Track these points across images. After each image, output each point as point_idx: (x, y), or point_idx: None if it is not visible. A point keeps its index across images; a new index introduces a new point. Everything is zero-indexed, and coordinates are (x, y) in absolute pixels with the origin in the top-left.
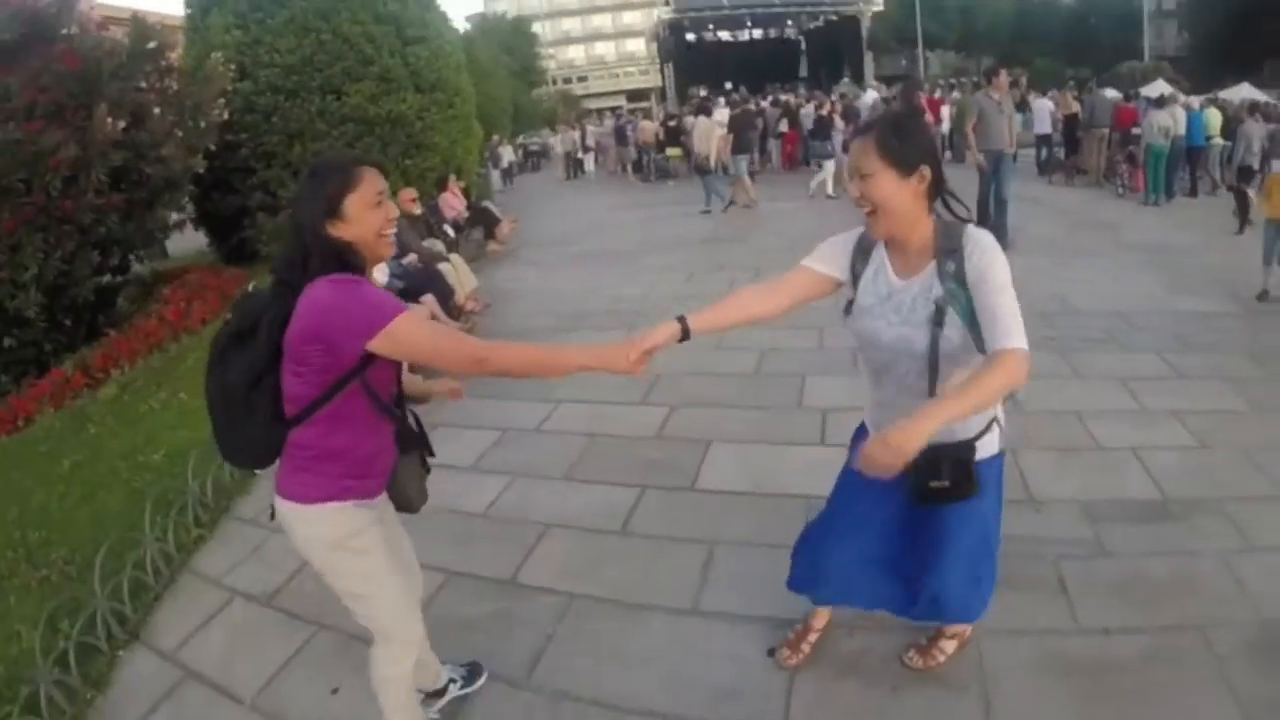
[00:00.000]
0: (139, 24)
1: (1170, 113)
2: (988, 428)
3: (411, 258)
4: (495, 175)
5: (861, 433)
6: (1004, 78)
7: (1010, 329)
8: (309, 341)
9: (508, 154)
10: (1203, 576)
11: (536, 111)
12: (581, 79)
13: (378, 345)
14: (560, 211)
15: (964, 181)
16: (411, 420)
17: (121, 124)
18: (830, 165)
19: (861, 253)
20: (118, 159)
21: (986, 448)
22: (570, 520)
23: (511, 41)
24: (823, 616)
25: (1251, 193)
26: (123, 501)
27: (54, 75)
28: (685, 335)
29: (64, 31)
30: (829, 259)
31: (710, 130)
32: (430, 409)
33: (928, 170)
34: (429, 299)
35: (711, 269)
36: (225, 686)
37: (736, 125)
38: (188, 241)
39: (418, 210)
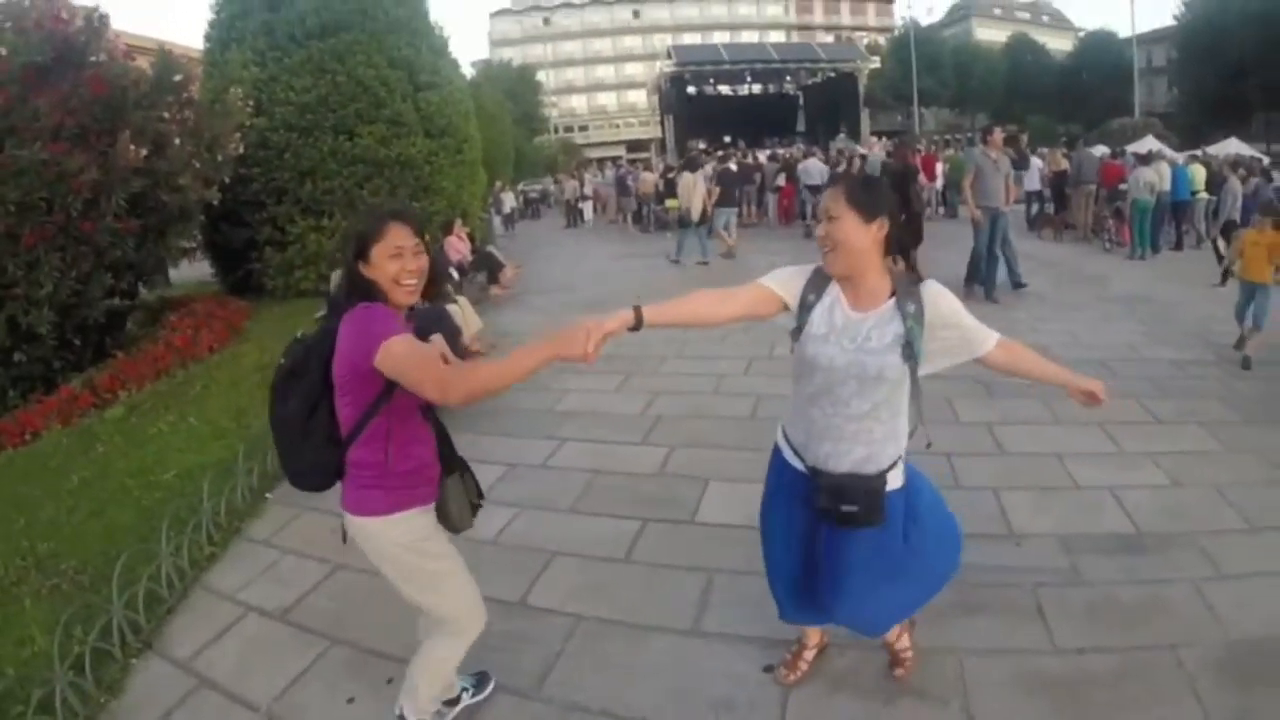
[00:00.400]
0: (165, 56)
1: (1155, 169)
2: (894, 464)
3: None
4: (498, 221)
5: (779, 457)
6: (998, 135)
7: (984, 335)
8: (342, 366)
9: (510, 200)
10: (1174, 602)
11: (538, 159)
12: (583, 128)
13: (379, 363)
14: (561, 259)
15: (958, 236)
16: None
17: (144, 152)
18: None
19: (814, 286)
20: (137, 185)
21: (893, 481)
22: (576, 548)
23: (516, 89)
24: (814, 635)
25: (1222, 246)
26: (134, 518)
27: (81, 100)
28: (638, 325)
29: (93, 58)
30: (785, 284)
31: (695, 184)
32: None
33: (886, 222)
34: (438, 338)
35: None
36: (239, 695)
37: (722, 181)
38: (190, 271)
39: (453, 248)
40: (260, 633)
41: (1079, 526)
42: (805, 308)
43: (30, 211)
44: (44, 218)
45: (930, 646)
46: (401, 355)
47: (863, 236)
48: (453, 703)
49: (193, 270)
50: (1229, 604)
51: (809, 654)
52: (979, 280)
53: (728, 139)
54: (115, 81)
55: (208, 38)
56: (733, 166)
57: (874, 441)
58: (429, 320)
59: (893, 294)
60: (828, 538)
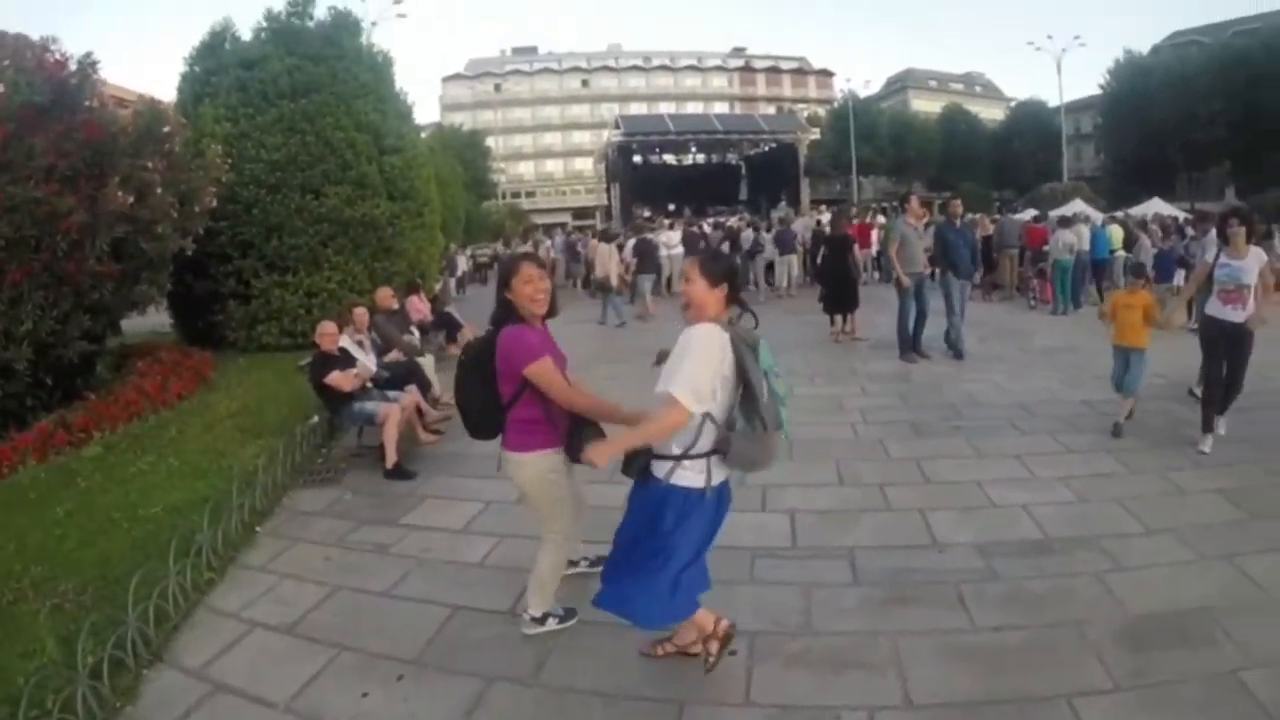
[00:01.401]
0: (152, 107)
1: (1075, 231)
2: (673, 461)
3: (394, 354)
4: (452, 283)
5: None
6: (915, 203)
7: (675, 378)
8: (505, 364)
9: (462, 262)
10: (1078, 590)
11: (486, 224)
12: (530, 194)
13: (529, 372)
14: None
15: (894, 300)
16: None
17: (130, 198)
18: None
19: None
20: (121, 231)
21: (659, 470)
22: None
23: (465, 153)
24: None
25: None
26: (125, 547)
27: (74, 143)
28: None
29: (86, 103)
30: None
31: (610, 254)
32: (417, 484)
33: (725, 286)
34: (412, 389)
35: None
36: (257, 695)
37: (641, 250)
38: (140, 321)
39: (395, 305)
40: (269, 644)
41: (995, 536)
42: None
43: (19, 248)
44: (31, 255)
45: (867, 630)
46: (543, 373)
47: (708, 297)
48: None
49: (143, 321)
50: (1127, 589)
51: (669, 646)
52: (911, 347)
53: (672, 207)
54: (106, 128)
55: (180, 90)
56: (650, 236)
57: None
58: (404, 371)
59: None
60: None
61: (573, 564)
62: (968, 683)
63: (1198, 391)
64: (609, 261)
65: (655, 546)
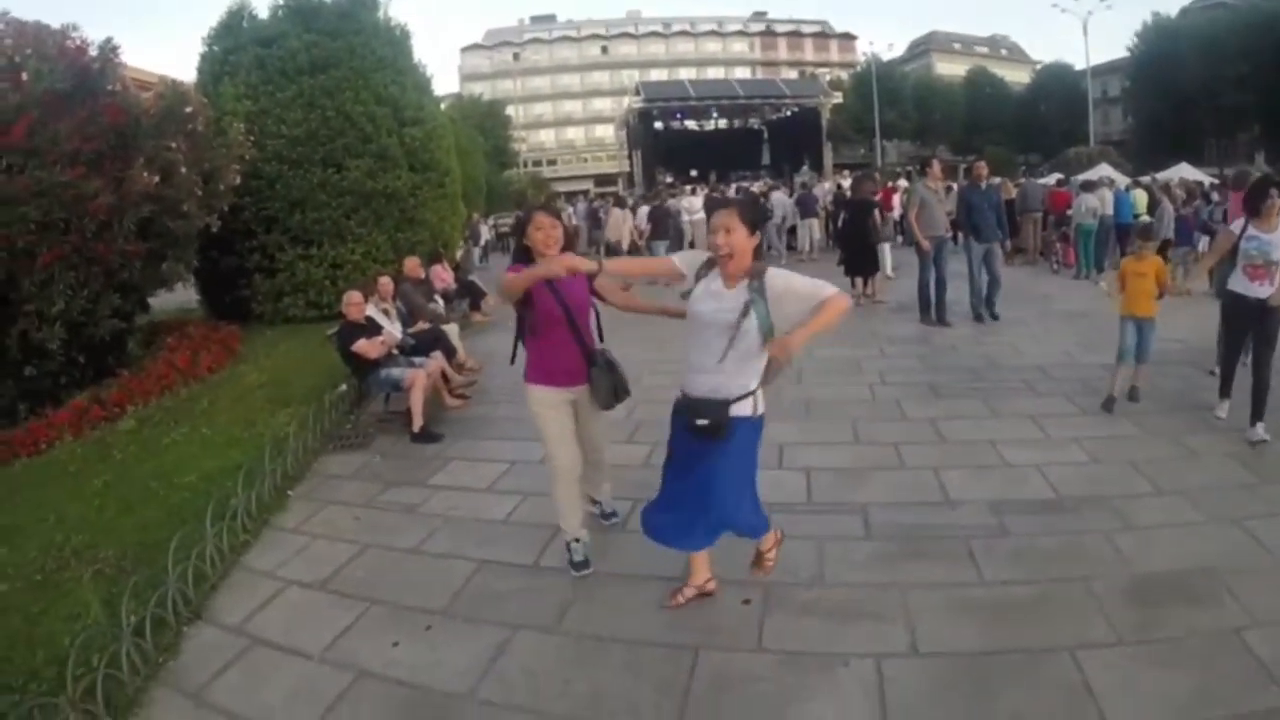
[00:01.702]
0: (174, 88)
1: (1098, 195)
2: (742, 398)
3: (421, 325)
4: (475, 252)
5: (678, 405)
6: (937, 168)
7: (821, 286)
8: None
9: (485, 231)
10: (1086, 547)
11: (507, 192)
12: (551, 162)
13: (502, 289)
14: None
15: (915, 262)
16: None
17: (155, 179)
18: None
19: (706, 267)
20: (147, 210)
21: (742, 409)
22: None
23: (485, 123)
24: (700, 574)
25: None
26: (163, 514)
27: (99, 126)
28: (598, 271)
29: (109, 87)
30: (687, 263)
31: (623, 220)
32: (444, 446)
33: (759, 233)
34: (438, 355)
35: (675, 339)
36: (292, 647)
37: (655, 217)
38: (167, 298)
39: (422, 275)
40: (303, 600)
41: (1007, 494)
42: (696, 279)
43: (49, 231)
44: (61, 238)
45: (878, 582)
46: (505, 280)
47: (749, 244)
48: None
49: (170, 297)
50: (1135, 548)
51: (690, 590)
52: (930, 311)
53: (694, 172)
54: (129, 110)
55: (200, 70)
56: (664, 204)
57: (724, 374)
58: (430, 338)
59: (748, 277)
60: (699, 453)
61: (594, 501)
62: (973, 634)
63: (1217, 371)
64: (621, 227)
65: (751, 469)
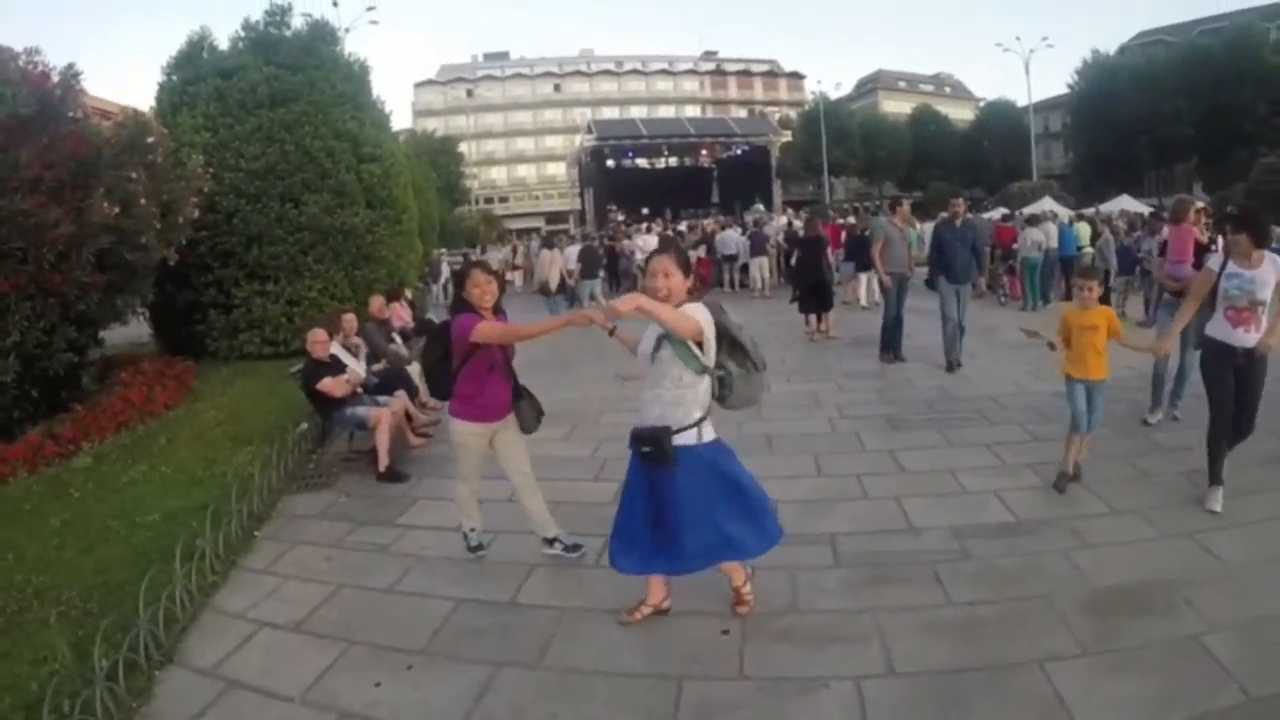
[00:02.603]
0: (137, 118)
1: (1043, 229)
2: (684, 430)
3: (382, 363)
4: (437, 289)
5: (632, 433)
6: (905, 207)
7: (696, 310)
8: (456, 340)
9: (446, 269)
10: (1046, 566)
11: (459, 229)
12: (503, 199)
13: (475, 336)
14: None
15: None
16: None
17: (116, 210)
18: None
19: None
20: (106, 242)
21: (686, 438)
22: (552, 560)
23: (438, 159)
24: (656, 594)
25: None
26: (125, 554)
27: (59, 154)
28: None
29: (70, 114)
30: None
31: (552, 260)
32: (410, 486)
33: (692, 276)
34: (401, 394)
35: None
36: (271, 690)
37: (584, 256)
38: (120, 332)
39: (386, 315)
40: (277, 642)
41: (967, 519)
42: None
43: (6, 260)
44: (19, 267)
45: (850, 608)
46: (483, 330)
47: (683, 286)
48: (549, 541)
49: (121, 332)
50: (1092, 564)
51: (645, 609)
52: (891, 348)
53: (646, 210)
54: (91, 139)
55: (158, 99)
56: (594, 243)
57: (664, 405)
58: (393, 377)
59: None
60: (655, 484)
61: (548, 542)
62: (946, 652)
63: (1151, 419)
64: (550, 267)
65: (738, 485)
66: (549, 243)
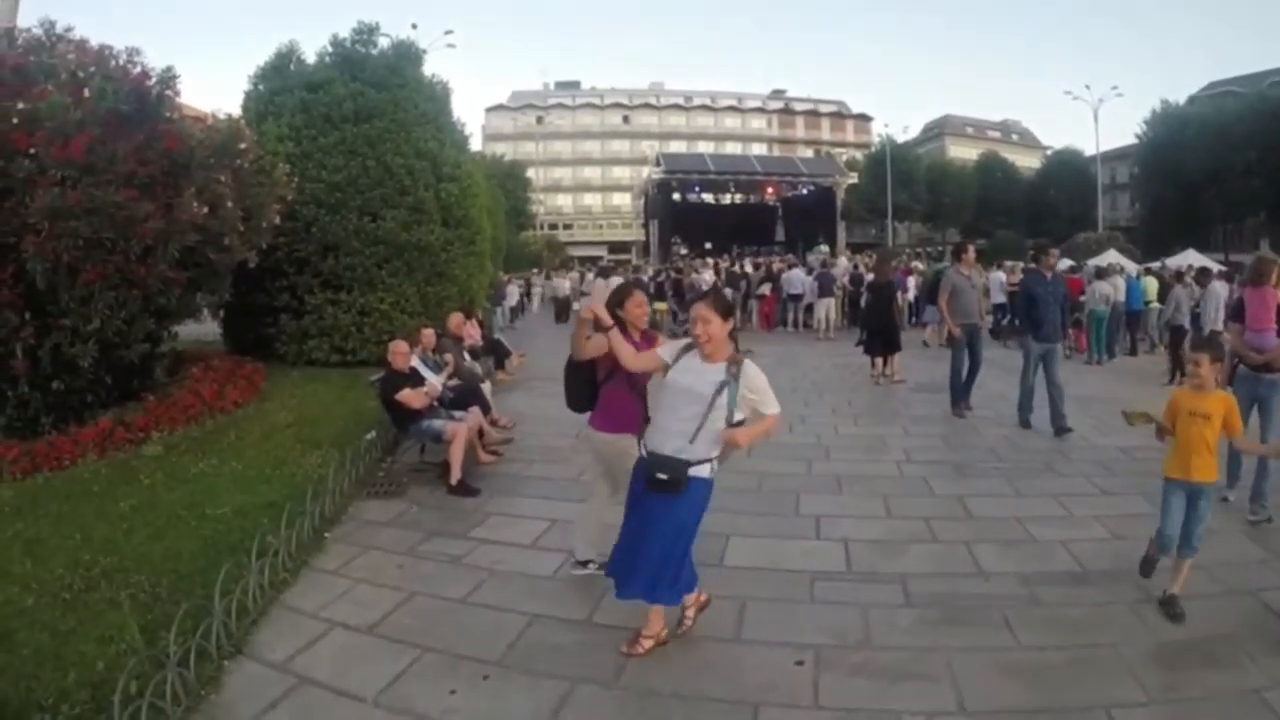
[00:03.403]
0: (231, 123)
1: (1111, 282)
2: (702, 463)
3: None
4: (502, 310)
5: (641, 462)
6: (972, 253)
7: (772, 399)
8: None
9: (515, 292)
10: (1113, 617)
11: (523, 254)
12: (567, 226)
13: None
14: (560, 351)
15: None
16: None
17: (204, 210)
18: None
19: (683, 352)
20: (191, 240)
21: (700, 471)
22: None
23: (506, 183)
24: (655, 624)
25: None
26: (196, 545)
27: (155, 152)
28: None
29: (167, 114)
30: (668, 353)
31: (605, 291)
32: (481, 501)
33: (732, 320)
34: (475, 410)
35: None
36: (343, 689)
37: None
38: (188, 328)
39: (463, 332)
40: (351, 643)
41: (1036, 567)
42: (676, 361)
43: (95, 249)
44: (106, 256)
45: (922, 646)
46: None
47: (723, 330)
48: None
49: (190, 328)
50: (1158, 618)
51: (647, 641)
52: (960, 399)
53: (709, 245)
54: (185, 140)
55: (245, 107)
56: (623, 278)
57: (688, 438)
58: (466, 394)
59: (728, 360)
60: (650, 505)
61: (581, 564)
62: (1016, 693)
63: (1230, 496)
64: (600, 297)
65: (688, 533)
66: (604, 273)
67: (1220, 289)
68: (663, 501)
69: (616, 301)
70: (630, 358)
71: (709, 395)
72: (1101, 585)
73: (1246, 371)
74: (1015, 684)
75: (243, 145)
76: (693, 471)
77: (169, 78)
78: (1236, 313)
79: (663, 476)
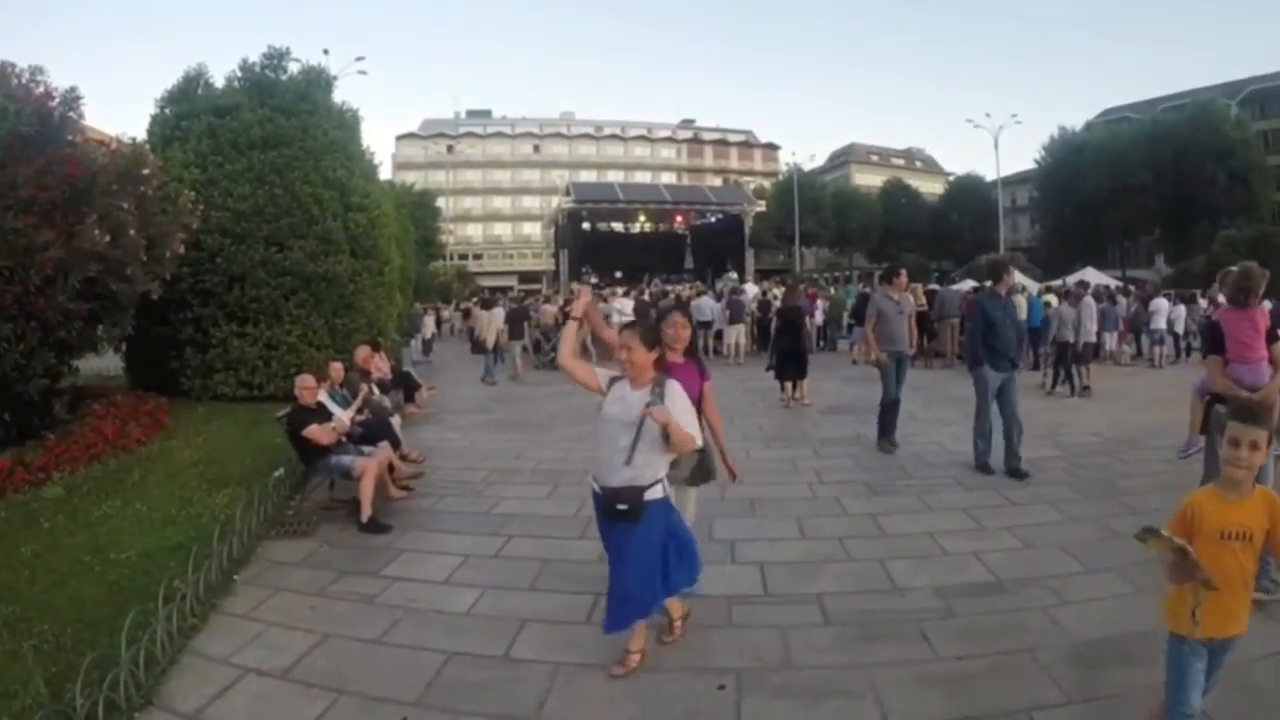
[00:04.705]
0: (135, 148)
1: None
2: (653, 485)
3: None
4: (416, 343)
5: (596, 497)
6: (904, 278)
7: (693, 419)
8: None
9: (430, 325)
10: (1029, 622)
11: (432, 284)
12: (477, 256)
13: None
14: (471, 382)
15: (834, 365)
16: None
17: (106, 238)
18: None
19: (615, 382)
20: (94, 270)
21: (654, 493)
22: (543, 615)
23: (415, 213)
24: (638, 641)
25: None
26: (101, 591)
27: (56, 177)
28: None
29: (69, 138)
30: (602, 377)
31: (490, 320)
32: (393, 538)
33: (658, 349)
34: (385, 445)
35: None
36: None
37: (512, 319)
38: (88, 363)
39: (370, 365)
40: (265, 689)
41: (950, 579)
42: (608, 388)
43: None
44: (4, 287)
45: (842, 664)
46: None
47: (648, 358)
48: None
49: (89, 362)
50: (1072, 620)
51: (635, 656)
52: (887, 435)
53: (619, 274)
54: (87, 165)
55: (150, 131)
56: (523, 306)
57: (634, 465)
58: (375, 429)
59: (652, 383)
60: (615, 537)
61: None
62: (939, 703)
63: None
64: (488, 326)
65: (658, 545)
66: (487, 304)
67: (1092, 302)
68: (625, 531)
69: (658, 320)
70: (566, 356)
71: (637, 418)
72: (1015, 593)
73: (1221, 411)
74: (938, 695)
75: (147, 171)
76: (647, 496)
77: (73, 99)
78: (1213, 342)
79: (623, 507)
